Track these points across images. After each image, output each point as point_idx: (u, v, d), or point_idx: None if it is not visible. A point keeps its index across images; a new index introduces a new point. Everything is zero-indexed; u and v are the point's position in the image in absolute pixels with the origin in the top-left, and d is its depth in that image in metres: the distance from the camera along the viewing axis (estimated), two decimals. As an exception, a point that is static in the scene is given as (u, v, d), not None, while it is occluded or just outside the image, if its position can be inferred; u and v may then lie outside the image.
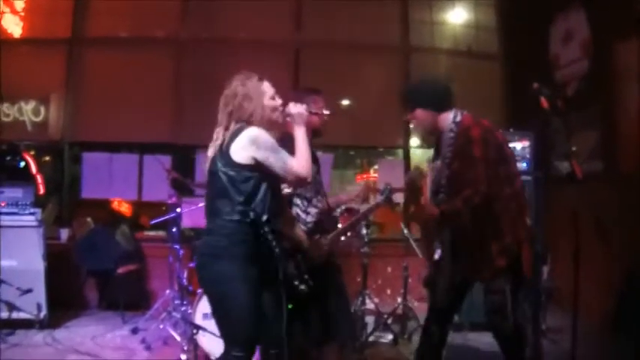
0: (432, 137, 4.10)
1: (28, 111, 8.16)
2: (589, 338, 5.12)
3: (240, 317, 3.45)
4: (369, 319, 6.36)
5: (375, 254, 6.61)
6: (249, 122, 3.53)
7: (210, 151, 3.60)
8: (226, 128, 3.56)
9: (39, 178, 8.00)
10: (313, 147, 4.09)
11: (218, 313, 3.58)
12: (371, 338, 6.20)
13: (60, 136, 8.28)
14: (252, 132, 3.48)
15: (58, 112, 8.27)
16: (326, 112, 4.20)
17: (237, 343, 3.48)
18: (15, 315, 6.30)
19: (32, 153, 8.37)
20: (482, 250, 3.79)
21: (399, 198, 5.32)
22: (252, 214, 3.42)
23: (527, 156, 6.64)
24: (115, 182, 8.05)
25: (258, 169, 3.46)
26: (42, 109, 8.22)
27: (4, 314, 6.25)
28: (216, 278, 3.49)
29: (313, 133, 4.42)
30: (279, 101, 3.69)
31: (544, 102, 3.79)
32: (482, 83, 8.69)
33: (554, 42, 7.60)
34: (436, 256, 4.03)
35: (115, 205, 8.85)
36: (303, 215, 4.44)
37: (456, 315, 6.51)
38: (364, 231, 6.23)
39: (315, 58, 8.62)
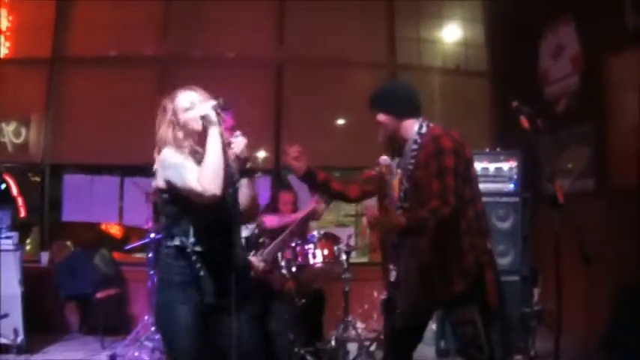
0: (395, 147, 3.85)
1: (9, 132, 8.05)
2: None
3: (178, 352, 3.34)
4: (352, 347, 6.16)
5: (360, 278, 6.40)
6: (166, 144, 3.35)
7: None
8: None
9: (20, 201, 7.87)
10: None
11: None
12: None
13: (40, 158, 8.13)
14: (163, 153, 3.30)
15: (38, 133, 8.15)
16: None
17: None
18: (-9, 340, 6.15)
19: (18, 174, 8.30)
20: (441, 272, 3.54)
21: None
22: (177, 240, 3.29)
23: (515, 176, 6.48)
24: (96, 205, 7.90)
25: (175, 190, 3.27)
26: (23, 130, 8.11)
27: (-20, 339, 6.11)
28: (157, 308, 3.43)
29: None
30: (200, 109, 3.34)
31: (524, 121, 3.62)
32: (470, 101, 8.57)
33: (544, 57, 7.47)
34: (392, 278, 3.77)
35: (105, 226, 8.72)
36: None
37: (442, 341, 6.40)
38: (343, 257, 5.94)
39: (299, 75, 8.48)
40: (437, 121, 3.82)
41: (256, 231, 4.42)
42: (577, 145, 6.78)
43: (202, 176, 3.17)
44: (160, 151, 3.34)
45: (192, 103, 3.38)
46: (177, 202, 3.29)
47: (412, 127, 3.69)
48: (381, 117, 3.76)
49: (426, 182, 3.49)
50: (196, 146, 3.35)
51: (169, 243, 3.33)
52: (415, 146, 3.63)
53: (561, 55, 7.14)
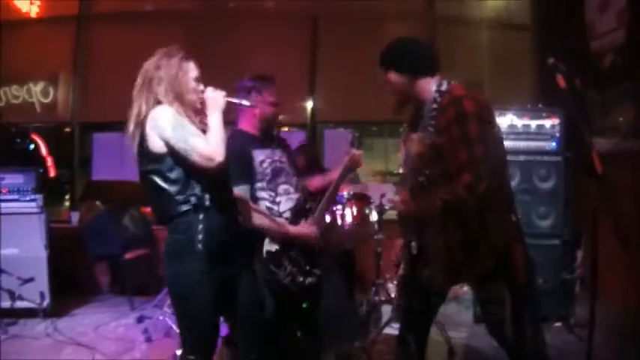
0: (408, 108, 3.54)
1: (36, 92, 8.07)
2: (618, 333, 4.76)
3: (196, 320, 3.22)
4: (386, 310, 5.92)
5: (396, 236, 6.18)
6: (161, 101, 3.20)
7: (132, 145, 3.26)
8: (139, 111, 3.22)
9: (49, 161, 7.83)
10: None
11: (176, 314, 3.39)
12: (386, 330, 5.68)
13: (69, 117, 8.10)
14: (159, 111, 3.15)
15: (66, 92, 8.13)
16: (245, 103, 3.71)
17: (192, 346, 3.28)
18: (19, 304, 6.14)
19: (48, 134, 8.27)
20: (466, 251, 3.26)
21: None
22: (193, 199, 3.16)
23: (557, 134, 6.14)
24: (127, 163, 7.78)
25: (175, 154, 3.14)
26: (51, 90, 8.11)
27: (6, 303, 6.09)
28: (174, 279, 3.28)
29: (265, 124, 4.21)
30: (201, 86, 3.31)
31: (560, 80, 3.31)
32: (513, 55, 8.15)
33: (590, 9, 7.06)
34: (413, 252, 3.45)
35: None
36: (274, 207, 4.12)
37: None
38: (374, 217, 5.72)
39: (334, 28, 8.23)
40: (478, 75, 3.50)
41: (302, 198, 4.22)
42: (623, 102, 6.40)
43: (211, 142, 3.13)
44: (148, 108, 3.18)
45: (198, 78, 3.31)
46: (180, 166, 3.16)
47: (429, 86, 3.36)
48: (392, 76, 3.41)
49: (451, 151, 3.16)
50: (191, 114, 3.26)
51: (183, 208, 3.17)
52: (435, 106, 3.30)
53: (608, 8, 6.74)
